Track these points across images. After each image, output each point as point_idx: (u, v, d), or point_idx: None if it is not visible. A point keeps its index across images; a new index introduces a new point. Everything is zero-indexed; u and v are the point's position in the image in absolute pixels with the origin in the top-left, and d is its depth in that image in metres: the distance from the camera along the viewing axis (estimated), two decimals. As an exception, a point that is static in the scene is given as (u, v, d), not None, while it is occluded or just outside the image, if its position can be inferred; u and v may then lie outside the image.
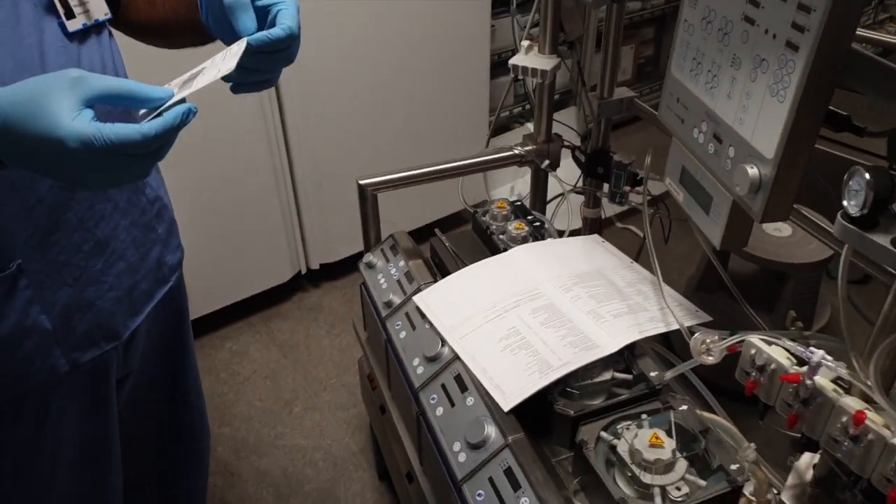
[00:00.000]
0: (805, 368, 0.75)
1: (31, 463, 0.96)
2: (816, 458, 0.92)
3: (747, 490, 0.95)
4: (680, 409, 1.03)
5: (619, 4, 1.34)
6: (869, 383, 0.74)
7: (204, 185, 2.01)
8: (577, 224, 1.54)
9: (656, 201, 1.36)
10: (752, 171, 0.83)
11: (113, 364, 1.01)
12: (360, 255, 1.49)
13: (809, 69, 0.73)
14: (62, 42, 0.81)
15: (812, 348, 0.75)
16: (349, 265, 2.45)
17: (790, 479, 0.90)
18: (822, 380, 0.76)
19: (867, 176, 0.67)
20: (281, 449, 1.92)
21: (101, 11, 0.85)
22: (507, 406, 1.03)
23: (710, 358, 0.91)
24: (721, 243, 0.94)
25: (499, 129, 2.80)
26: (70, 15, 0.81)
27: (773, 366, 0.81)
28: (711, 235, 0.96)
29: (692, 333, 1.09)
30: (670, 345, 1.24)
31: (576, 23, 1.41)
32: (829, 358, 0.74)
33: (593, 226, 1.63)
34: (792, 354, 0.81)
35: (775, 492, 1.00)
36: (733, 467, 0.93)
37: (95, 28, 0.86)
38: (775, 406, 0.83)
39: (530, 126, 2.83)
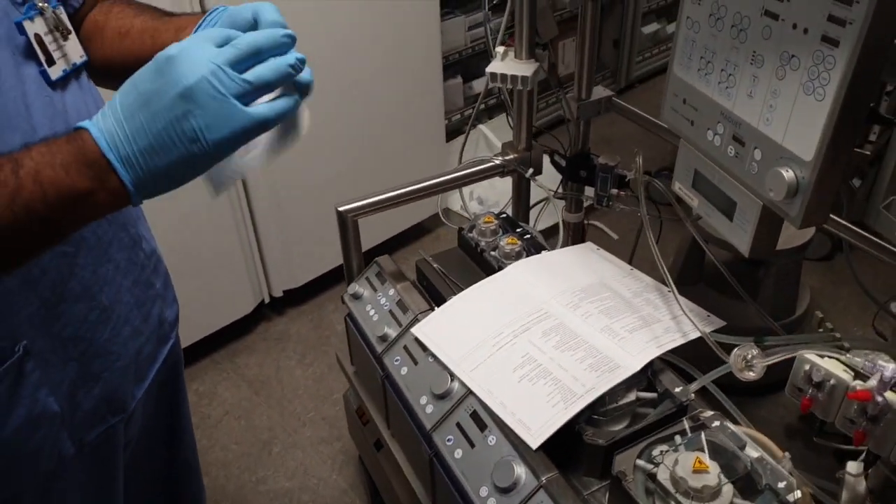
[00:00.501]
0: (874, 383, 0.70)
1: None
2: (861, 466, 0.88)
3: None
4: (713, 425, 0.97)
5: (595, 2, 1.28)
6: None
7: (152, 217, 1.86)
8: (550, 222, 1.47)
9: (656, 204, 1.31)
10: (789, 174, 0.78)
11: (120, 437, 0.92)
12: (324, 278, 1.40)
13: (854, 65, 0.68)
14: (45, 91, 0.72)
15: (881, 362, 0.70)
16: (314, 289, 2.33)
17: (845, 494, 0.86)
18: (891, 394, 0.71)
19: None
20: (264, 494, 1.80)
21: (77, 54, 0.76)
22: (535, 444, 0.96)
23: (752, 374, 0.86)
24: (750, 251, 0.89)
25: (450, 132, 2.72)
26: (51, 62, 0.72)
27: (832, 381, 0.76)
28: (738, 242, 0.91)
29: (714, 342, 1.05)
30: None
31: (549, 23, 1.34)
32: (900, 372, 0.69)
33: (576, 230, 1.57)
34: (849, 367, 0.76)
35: None
36: (781, 485, 0.88)
37: (75, 73, 0.77)
38: (835, 423, 0.77)
39: (483, 128, 2.79)
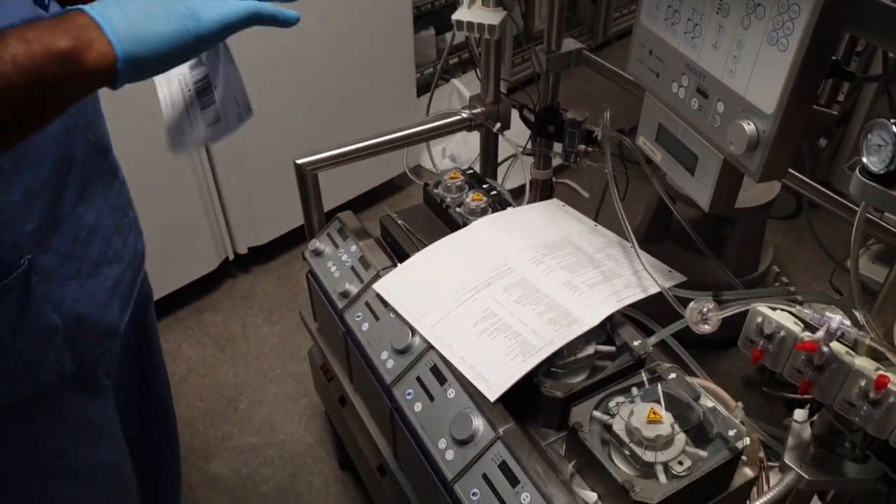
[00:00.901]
0: (821, 334, 0.71)
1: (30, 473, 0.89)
2: (806, 414, 0.90)
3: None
4: (669, 377, 0.99)
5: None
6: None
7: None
8: (520, 180, 1.46)
9: (628, 161, 1.30)
10: (749, 127, 0.78)
11: (113, 361, 0.95)
12: (288, 235, 1.37)
13: (818, 15, 0.67)
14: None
15: (829, 314, 0.70)
16: (280, 246, 2.31)
17: (790, 440, 0.88)
18: (836, 344, 0.72)
19: (894, 129, 0.62)
20: (231, 450, 1.80)
21: None
22: (493, 396, 0.96)
23: (707, 327, 0.87)
24: (710, 206, 0.89)
25: (422, 87, 2.68)
26: None
27: (782, 333, 0.77)
28: (698, 198, 0.91)
29: (673, 296, 1.06)
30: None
31: (517, -29, 1.31)
32: (847, 323, 0.70)
33: (544, 187, 1.56)
34: (799, 319, 0.77)
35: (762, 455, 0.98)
36: (731, 433, 0.90)
37: None
38: (783, 373, 0.79)
39: (456, 82, 2.75)
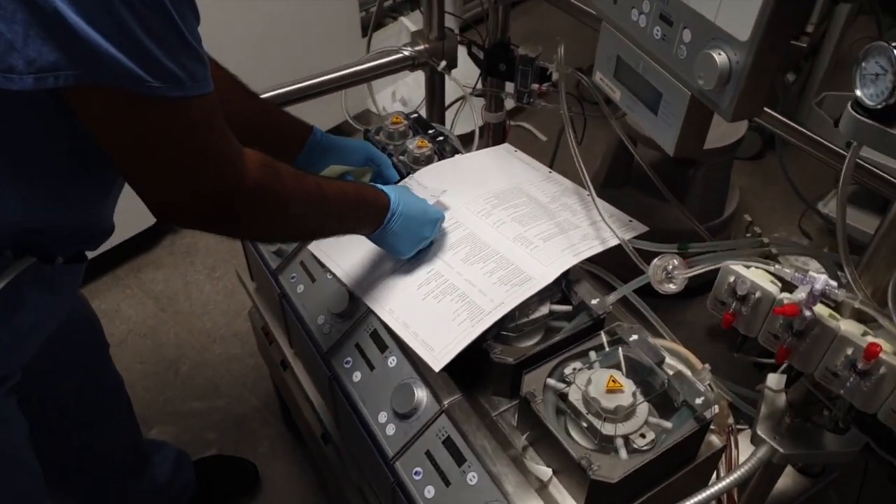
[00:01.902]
0: (802, 296, 0.62)
1: None
2: (783, 380, 0.82)
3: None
4: (630, 339, 0.90)
5: None
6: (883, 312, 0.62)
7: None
8: (470, 125, 1.34)
9: (585, 102, 1.19)
10: (721, 57, 0.67)
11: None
12: None
13: (804, -82, 0.56)
14: None
15: (812, 273, 0.61)
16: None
17: (763, 409, 0.80)
18: (819, 307, 0.64)
19: (895, 53, 0.52)
20: (172, 416, 1.70)
21: None
22: (437, 365, 0.87)
23: (672, 286, 0.78)
24: (676, 149, 0.79)
25: (367, 25, 2.50)
26: None
27: (757, 294, 0.68)
28: (662, 140, 0.81)
29: (634, 249, 0.97)
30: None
31: None
32: (833, 284, 0.61)
33: (496, 131, 1.45)
34: (776, 277, 0.68)
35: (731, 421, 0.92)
36: (698, 401, 0.82)
37: None
38: (758, 338, 0.70)
39: (404, 20, 2.57)
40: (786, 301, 0.65)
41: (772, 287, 0.68)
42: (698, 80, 0.70)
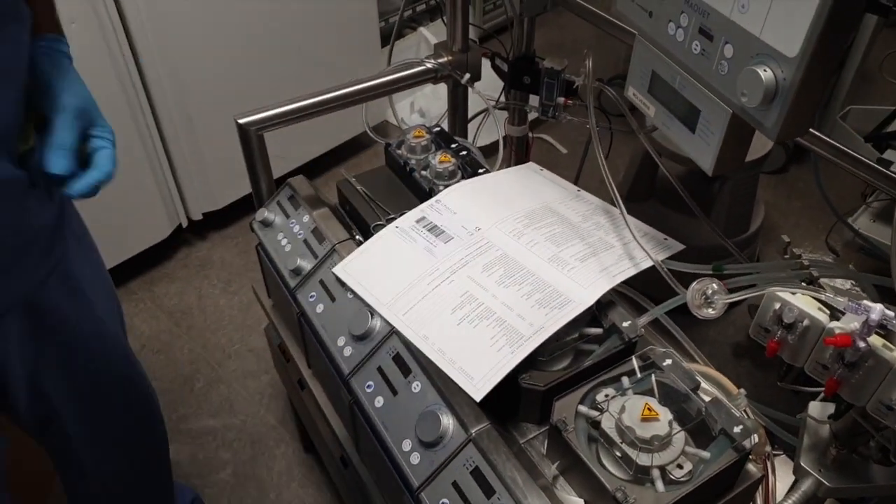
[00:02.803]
0: (855, 326, 0.59)
1: None
2: (829, 408, 0.79)
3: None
4: (664, 364, 0.86)
5: None
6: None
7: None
8: (492, 137, 1.31)
9: (608, 115, 1.16)
10: (767, 74, 0.64)
11: None
12: (249, 199, 1.23)
13: (862, -71, 0.53)
14: None
15: (867, 302, 0.58)
16: (238, 210, 2.14)
17: (806, 439, 0.77)
18: (875, 338, 0.60)
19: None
20: (186, 433, 1.67)
21: None
22: (478, 395, 0.83)
23: (712, 311, 0.74)
24: (714, 168, 0.76)
25: (387, 37, 2.49)
26: None
27: (805, 323, 0.64)
28: (700, 158, 0.78)
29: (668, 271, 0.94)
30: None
31: None
32: (890, 314, 0.58)
33: (519, 144, 1.42)
34: (823, 303, 0.65)
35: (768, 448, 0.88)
36: (737, 430, 0.78)
37: None
38: (804, 368, 0.67)
39: (424, 31, 2.56)
40: (837, 331, 0.61)
41: (821, 315, 0.64)
42: (741, 97, 0.67)
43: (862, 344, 0.59)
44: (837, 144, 1.04)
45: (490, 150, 1.35)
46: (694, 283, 0.75)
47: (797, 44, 0.61)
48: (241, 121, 1.12)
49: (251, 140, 1.14)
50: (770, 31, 0.64)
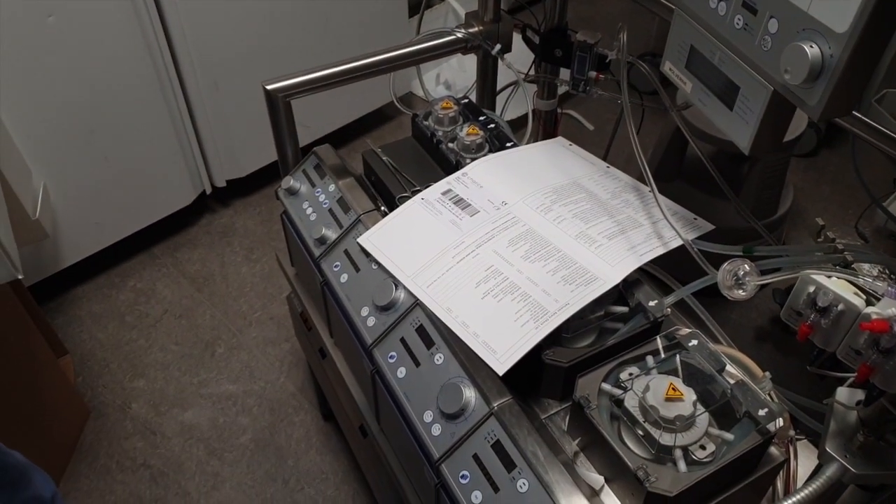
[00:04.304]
0: (892, 311, 0.58)
1: None
2: (857, 394, 0.77)
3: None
4: (690, 344, 0.86)
5: None
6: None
7: (70, 100, 1.64)
8: (521, 111, 1.28)
9: (639, 92, 1.14)
10: (813, 50, 0.62)
11: None
12: (273, 167, 1.23)
13: None
14: None
15: (906, 288, 0.57)
16: (262, 178, 2.15)
17: (833, 425, 0.76)
18: (911, 324, 0.59)
19: None
20: (207, 398, 1.70)
21: None
22: (501, 369, 0.83)
23: (742, 293, 0.73)
24: (752, 147, 0.74)
25: (415, 6, 2.46)
26: None
27: (840, 307, 0.63)
28: (737, 136, 0.76)
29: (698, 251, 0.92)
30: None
31: None
32: (929, 300, 0.56)
33: (548, 119, 1.40)
34: (859, 288, 0.63)
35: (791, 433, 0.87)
36: (762, 413, 0.78)
37: None
38: (836, 353, 0.66)
39: (452, 2, 2.52)
40: (874, 316, 0.60)
41: (856, 300, 0.63)
42: (784, 74, 0.65)
43: (899, 330, 0.58)
44: (877, 125, 1.01)
45: (518, 124, 1.33)
46: (725, 264, 0.74)
47: (848, 19, 0.59)
48: (268, 87, 1.12)
49: (278, 107, 1.14)
50: (818, 4, 0.62)
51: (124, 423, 1.63)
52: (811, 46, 0.62)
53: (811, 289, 0.65)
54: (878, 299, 0.63)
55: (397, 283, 0.96)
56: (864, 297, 0.64)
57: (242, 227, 2.13)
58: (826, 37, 0.61)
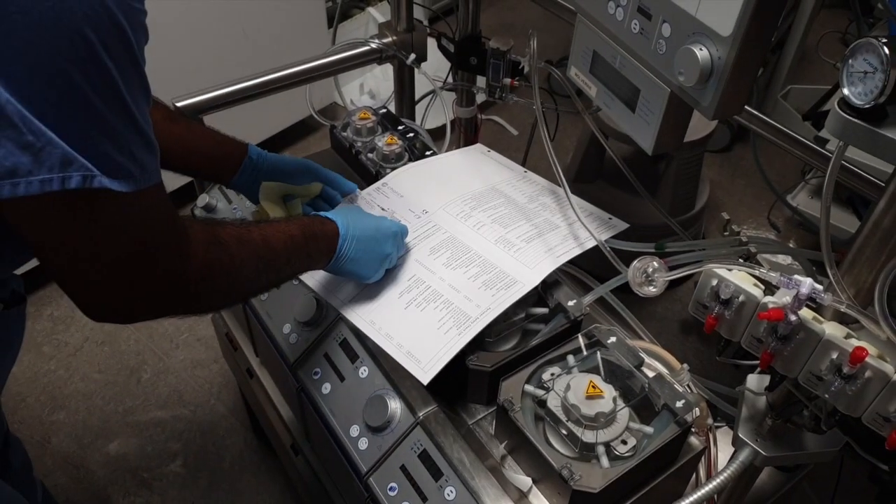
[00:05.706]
0: (787, 300, 0.60)
1: None
2: (766, 380, 0.81)
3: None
4: (609, 342, 0.87)
5: None
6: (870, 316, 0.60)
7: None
8: (441, 120, 1.30)
9: (557, 95, 1.16)
10: (702, 53, 0.65)
11: None
12: (189, 186, 1.19)
13: None
14: None
15: (797, 277, 0.59)
16: (178, 197, 2.08)
17: (744, 411, 0.79)
18: (806, 311, 0.62)
19: (885, 51, 0.50)
20: (134, 426, 1.63)
21: None
22: (425, 378, 0.83)
23: (653, 289, 0.75)
24: (654, 147, 0.76)
25: (333, 16, 2.44)
26: None
27: (741, 298, 0.66)
28: (640, 137, 0.78)
29: (611, 250, 0.95)
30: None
31: None
32: (818, 287, 0.59)
33: (468, 126, 1.41)
34: (758, 279, 0.66)
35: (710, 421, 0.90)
36: (679, 405, 0.80)
37: None
38: (741, 342, 0.68)
39: (372, 11, 2.52)
40: (770, 305, 0.63)
41: (755, 290, 0.66)
42: (678, 76, 0.67)
43: (793, 317, 0.61)
44: (774, 123, 1.06)
45: (439, 134, 1.34)
46: (635, 262, 0.76)
47: (730, 22, 0.62)
48: (179, 104, 1.09)
49: (190, 123, 1.10)
50: (705, 10, 0.64)
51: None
52: (701, 49, 0.65)
53: (714, 282, 0.68)
54: (777, 289, 0.66)
55: (319, 299, 0.94)
56: (765, 287, 0.67)
57: (165, 247, 2.06)
58: (713, 40, 0.64)
